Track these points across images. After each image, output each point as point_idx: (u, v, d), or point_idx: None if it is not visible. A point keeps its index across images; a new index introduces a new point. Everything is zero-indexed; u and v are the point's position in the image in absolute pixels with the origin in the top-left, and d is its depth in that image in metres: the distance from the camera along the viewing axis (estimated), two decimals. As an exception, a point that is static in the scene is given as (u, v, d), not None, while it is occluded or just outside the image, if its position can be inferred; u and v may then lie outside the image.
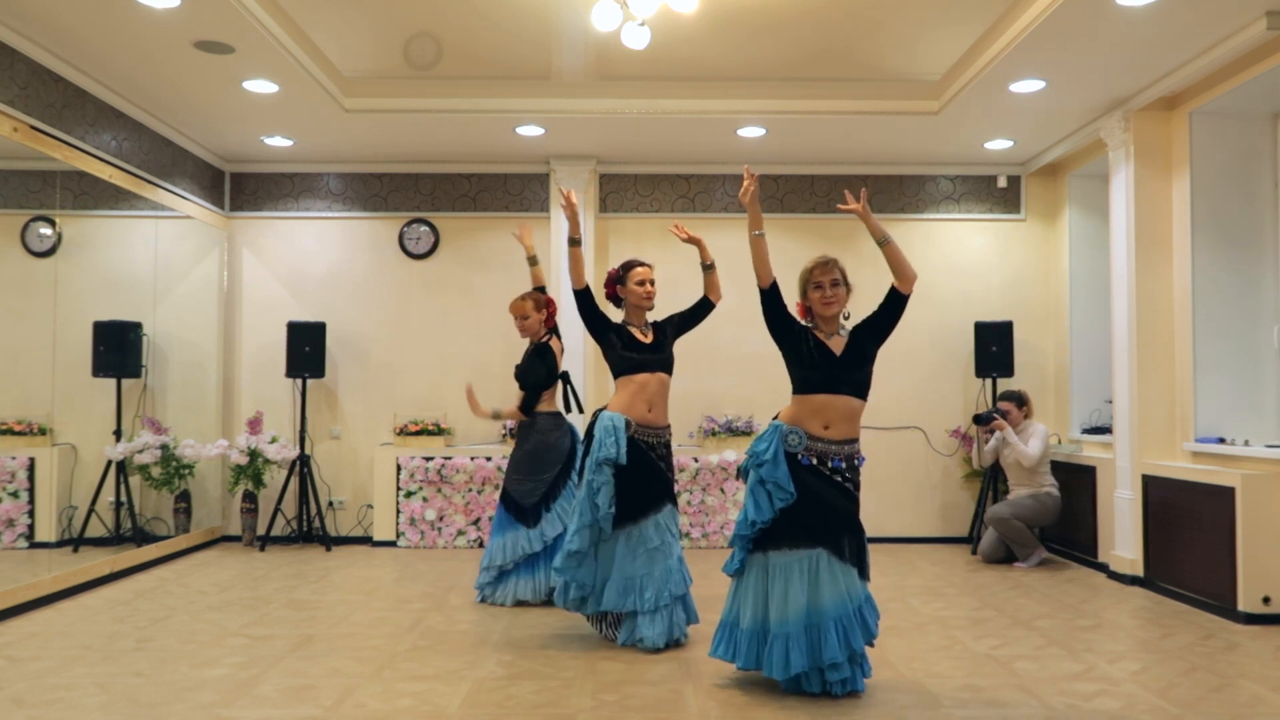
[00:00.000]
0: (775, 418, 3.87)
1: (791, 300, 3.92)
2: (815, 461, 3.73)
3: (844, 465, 3.76)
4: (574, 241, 4.57)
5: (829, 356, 3.78)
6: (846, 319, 3.89)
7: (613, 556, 4.42)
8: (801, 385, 3.82)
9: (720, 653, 3.86)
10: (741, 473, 3.90)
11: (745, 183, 3.91)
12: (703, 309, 4.71)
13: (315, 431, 7.61)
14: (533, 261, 5.54)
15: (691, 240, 4.58)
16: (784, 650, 3.64)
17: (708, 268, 4.65)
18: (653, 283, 4.63)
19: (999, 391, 7.13)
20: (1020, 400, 6.78)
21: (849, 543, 3.72)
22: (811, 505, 3.69)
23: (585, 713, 3.53)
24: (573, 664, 4.16)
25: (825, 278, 3.81)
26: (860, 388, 3.79)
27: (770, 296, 3.89)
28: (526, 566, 5.29)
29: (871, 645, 3.78)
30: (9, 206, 5.76)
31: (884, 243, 3.79)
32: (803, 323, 3.91)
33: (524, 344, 5.53)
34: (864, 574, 3.77)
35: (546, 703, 3.63)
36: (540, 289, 5.52)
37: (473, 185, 7.70)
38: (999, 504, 6.66)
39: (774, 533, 3.72)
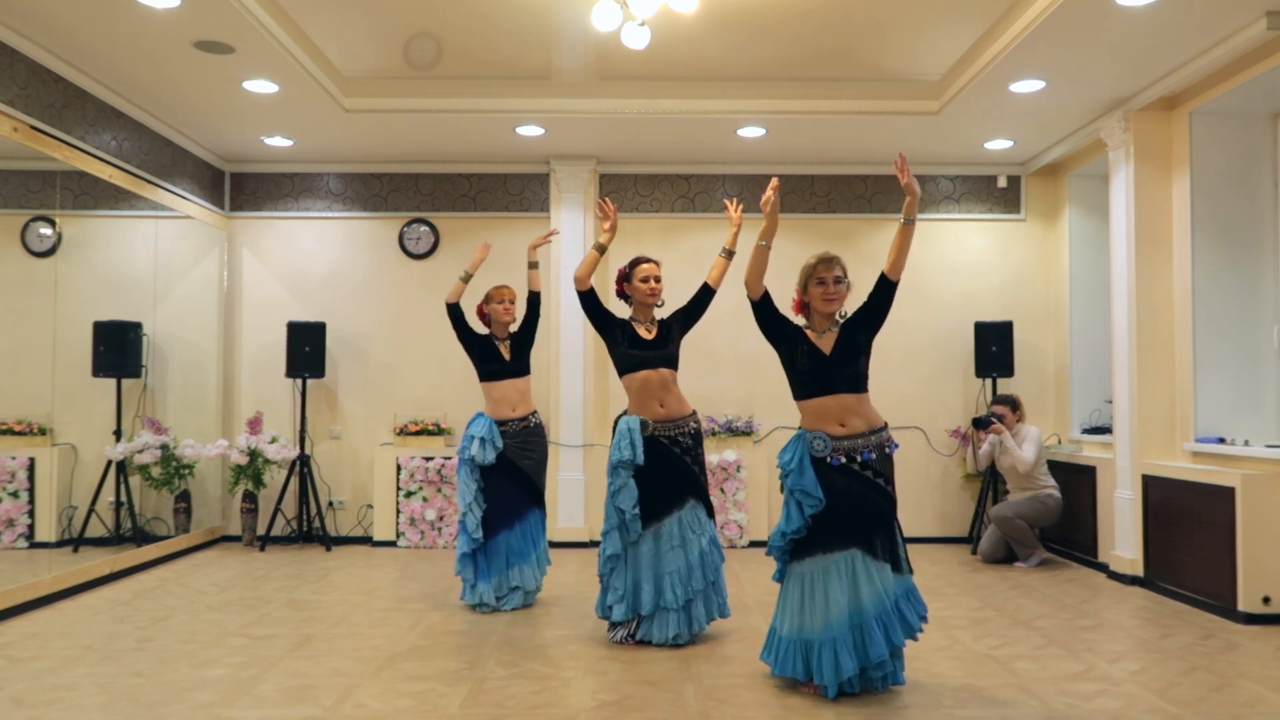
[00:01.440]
0: (799, 427, 3.87)
1: (783, 304, 3.92)
2: (845, 460, 3.71)
3: (875, 457, 3.73)
4: (601, 248, 4.70)
5: (819, 358, 3.77)
6: (843, 317, 3.88)
7: (642, 557, 4.45)
8: (798, 390, 3.82)
9: (764, 657, 3.90)
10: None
11: (768, 192, 3.86)
12: (704, 296, 4.72)
13: (315, 431, 7.61)
14: (534, 265, 5.47)
15: (736, 221, 4.65)
16: (833, 655, 3.61)
17: (728, 253, 4.68)
18: (658, 279, 4.66)
19: (994, 395, 7.13)
20: (1014, 405, 6.79)
21: (880, 540, 3.70)
22: (843, 506, 3.67)
23: (585, 713, 3.53)
24: (573, 664, 4.16)
25: (829, 274, 3.81)
26: (855, 382, 3.77)
27: (762, 306, 3.88)
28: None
29: (915, 639, 3.76)
30: (9, 206, 5.76)
31: (910, 222, 3.77)
32: (796, 322, 3.91)
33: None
34: (898, 568, 3.73)
35: (546, 703, 3.63)
36: (533, 294, 5.48)
37: (473, 185, 7.70)
38: (1002, 503, 6.66)
39: (807, 540, 3.72)
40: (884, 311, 3.83)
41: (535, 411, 5.43)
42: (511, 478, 5.26)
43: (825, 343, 3.79)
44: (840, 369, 3.75)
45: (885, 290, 3.82)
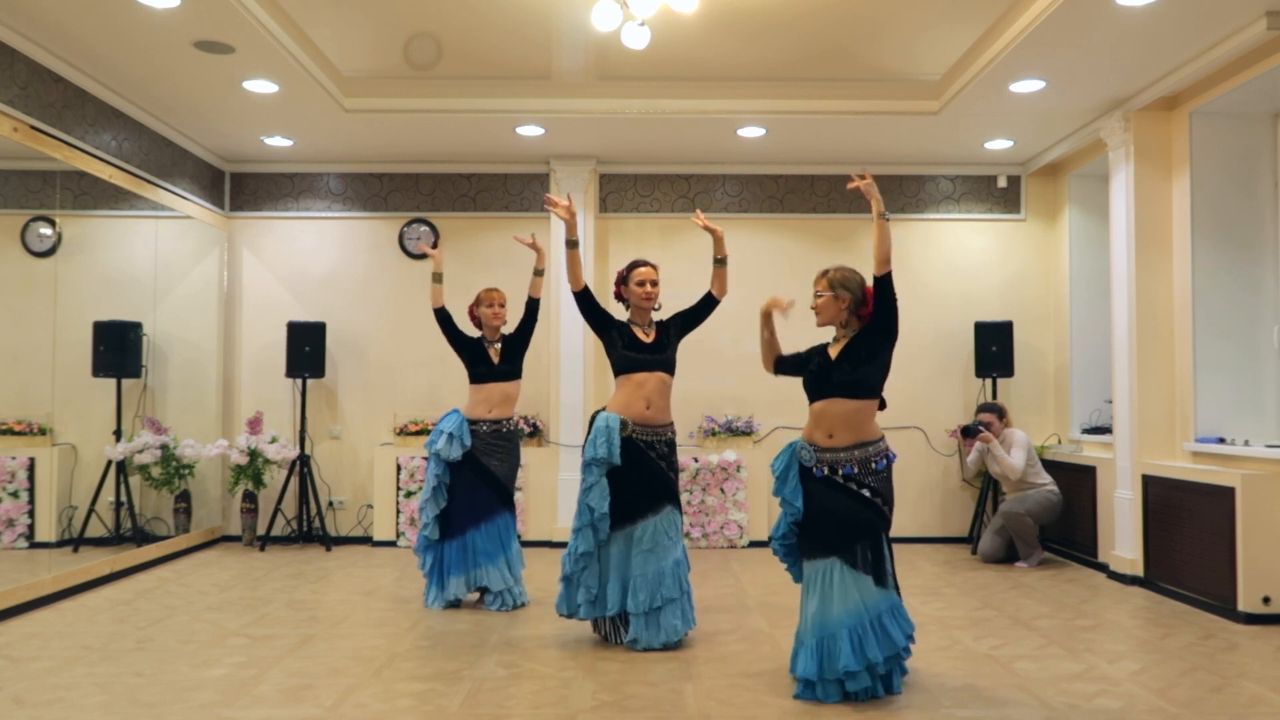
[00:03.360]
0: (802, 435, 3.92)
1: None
2: (827, 471, 3.75)
3: (856, 471, 3.71)
4: (571, 244, 4.61)
5: (825, 362, 3.82)
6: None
7: (611, 558, 4.41)
8: (807, 394, 3.89)
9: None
10: None
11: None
12: (707, 305, 4.68)
13: (315, 431, 7.61)
14: (539, 273, 5.42)
15: (709, 229, 4.58)
16: (803, 655, 3.70)
17: (719, 261, 4.62)
18: (655, 283, 4.61)
19: (980, 403, 7.14)
20: (1000, 412, 6.81)
21: (861, 550, 3.67)
22: (823, 516, 3.72)
23: (585, 713, 3.53)
24: (573, 664, 4.16)
25: (815, 288, 3.90)
26: (852, 388, 3.73)
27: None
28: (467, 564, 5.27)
29: (898, 655, 3.68)
30: (9, 206, 5.76)
31: (884, 217, 3.78)
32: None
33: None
34: (882, 582, 3.68)
35: (546, 703, 3.63)
36: (536, 300, 5.45)
37: (473, 185, 7.70)
38: (1012, 499, 6.65)
39: (801, 545, 3.83)
40: (887, 311, 3.78)
41: (511, 418, 5.41)
42: (481, 478, 5.25)
43: (834, 349, 3.85)
44: (837, 374, 3.76)
45: (879, 288, 3.81)
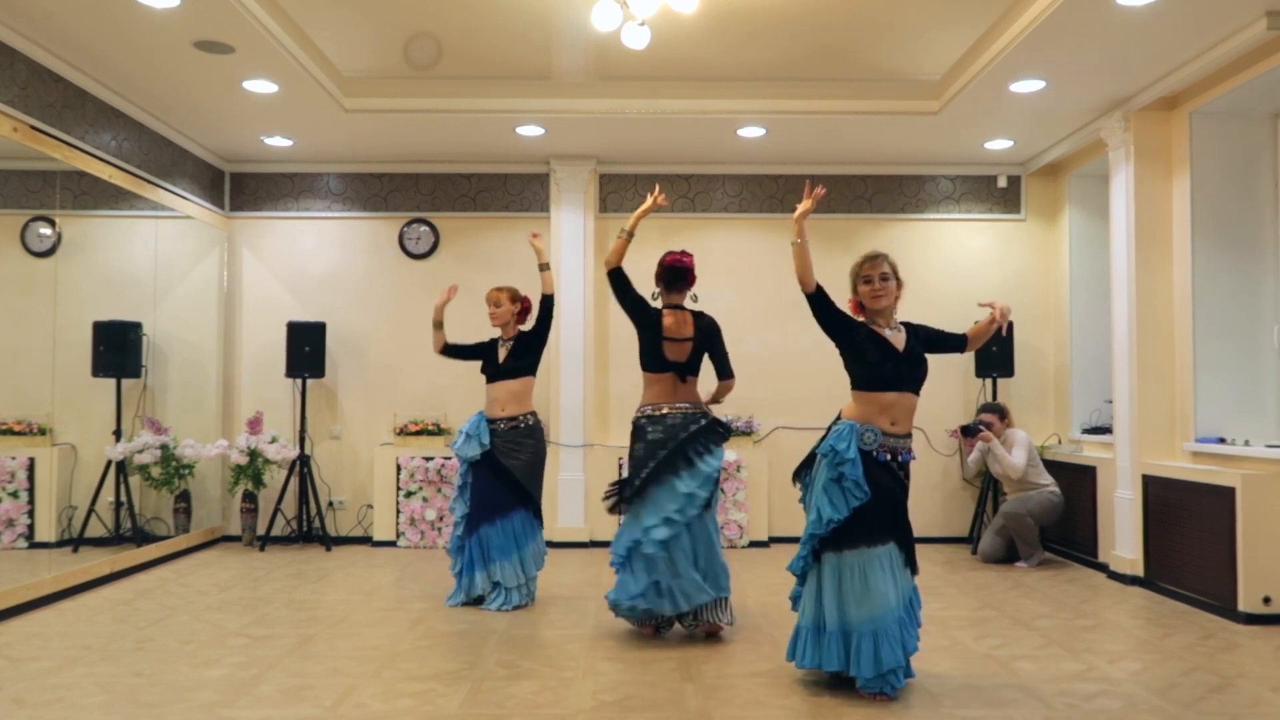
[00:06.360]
0: (839, 417, 3.87)
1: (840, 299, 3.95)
2: (890, 457, 3.76)
3: (910, 460, 3.85)
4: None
5: (893, 353, 3.82)
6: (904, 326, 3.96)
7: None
8: (864, 381, 3.83)
9: (795, 658, 3.84)
10: (797, 475, 3.93)
11: (805, 204, 3.88)
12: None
13: (315, 431, 7.61)
14: (543, 268, 5.41)
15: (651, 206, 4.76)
16: (873, 648, 3.61)
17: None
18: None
19: (980, 403, 7.13)
20: (1002, 413, 6.82)
21: (906, 540, 3.78)
22: (884, 501, 3.71)
23: (585, 713, 3.53)
24: (573, 664, 4.16)
25: (874, 271, 3.85)
26: (919, 385, 3.89)
27: (816, 299, 3.88)
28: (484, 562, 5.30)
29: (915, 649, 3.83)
30: (9, 206, 5.76)
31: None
32: (857, 319, 3.93)
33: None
34: (915, 570, 3.84)
35: (546, 703, 3.63)
36: (546, 296, 5.45)
37: (473, 185, 7.70)
38: (1013, 500, 6.65)
39: (847, 531, 3.69)
40: (936, 349, 3.98)
41: (531, 413, 5.40)
42: (498, 476, 5.26)
43: (896, 340, 3.85)
44: (912, 368, 3.84)
45: (952, 347, 4.02)
